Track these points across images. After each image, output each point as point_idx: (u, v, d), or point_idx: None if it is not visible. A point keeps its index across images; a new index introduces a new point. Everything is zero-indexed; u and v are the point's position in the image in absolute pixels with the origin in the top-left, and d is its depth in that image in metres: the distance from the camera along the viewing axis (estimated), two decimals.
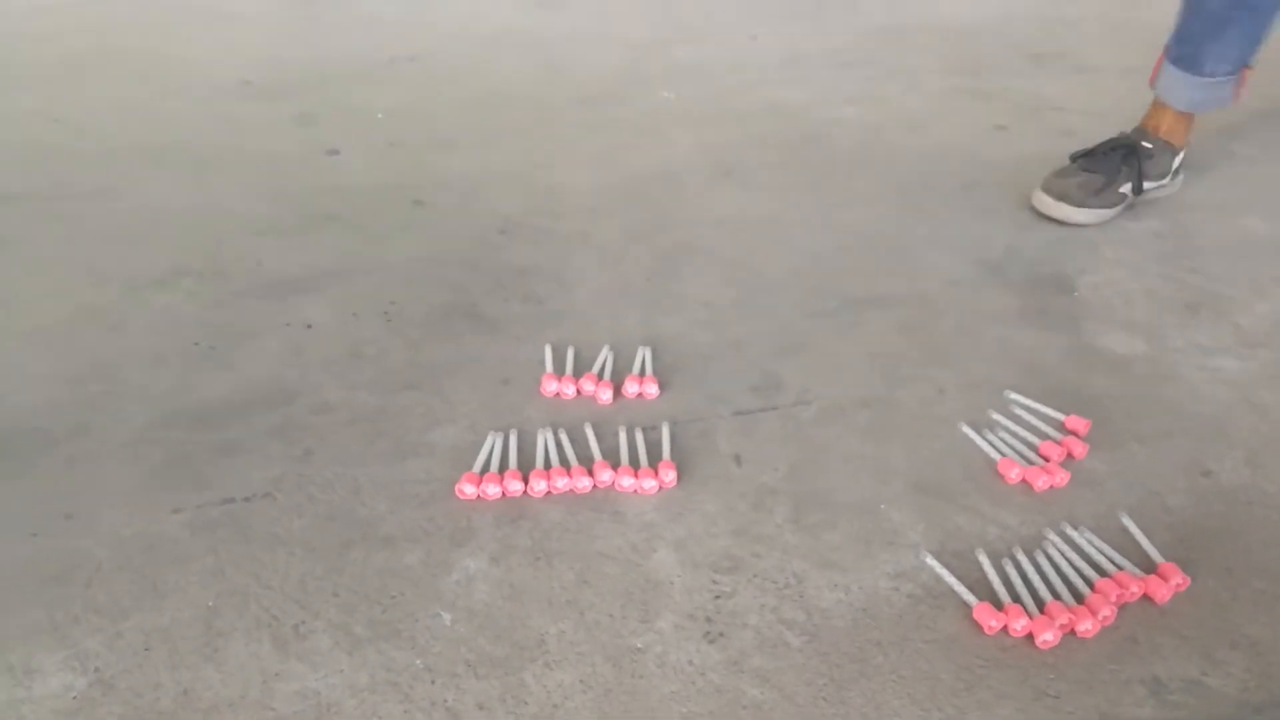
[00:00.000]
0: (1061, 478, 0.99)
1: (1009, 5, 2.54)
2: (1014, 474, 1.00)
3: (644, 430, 1.04)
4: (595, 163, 1.62)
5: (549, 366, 1.12)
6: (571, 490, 0.96)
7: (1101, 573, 0.89)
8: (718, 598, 0.86)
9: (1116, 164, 1.49)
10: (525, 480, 0.95)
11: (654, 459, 1.00)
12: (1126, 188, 1.49)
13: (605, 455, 1.00)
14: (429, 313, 1.22)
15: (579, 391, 1.09)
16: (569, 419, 1.06)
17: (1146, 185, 1.51)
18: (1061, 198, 1.47)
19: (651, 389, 1.09)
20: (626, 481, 0.96)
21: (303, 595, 0.84)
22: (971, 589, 0.87)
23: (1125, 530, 0.94)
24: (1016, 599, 0.86)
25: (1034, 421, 1.08)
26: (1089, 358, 1.19)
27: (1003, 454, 1.03)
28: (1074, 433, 1.06)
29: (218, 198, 1.46)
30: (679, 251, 1.38)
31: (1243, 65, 1.45)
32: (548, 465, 0.98)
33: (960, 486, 0.99)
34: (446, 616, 0.82)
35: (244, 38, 2.08)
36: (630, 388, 1.09)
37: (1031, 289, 1.33)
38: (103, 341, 1.14)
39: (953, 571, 0.88)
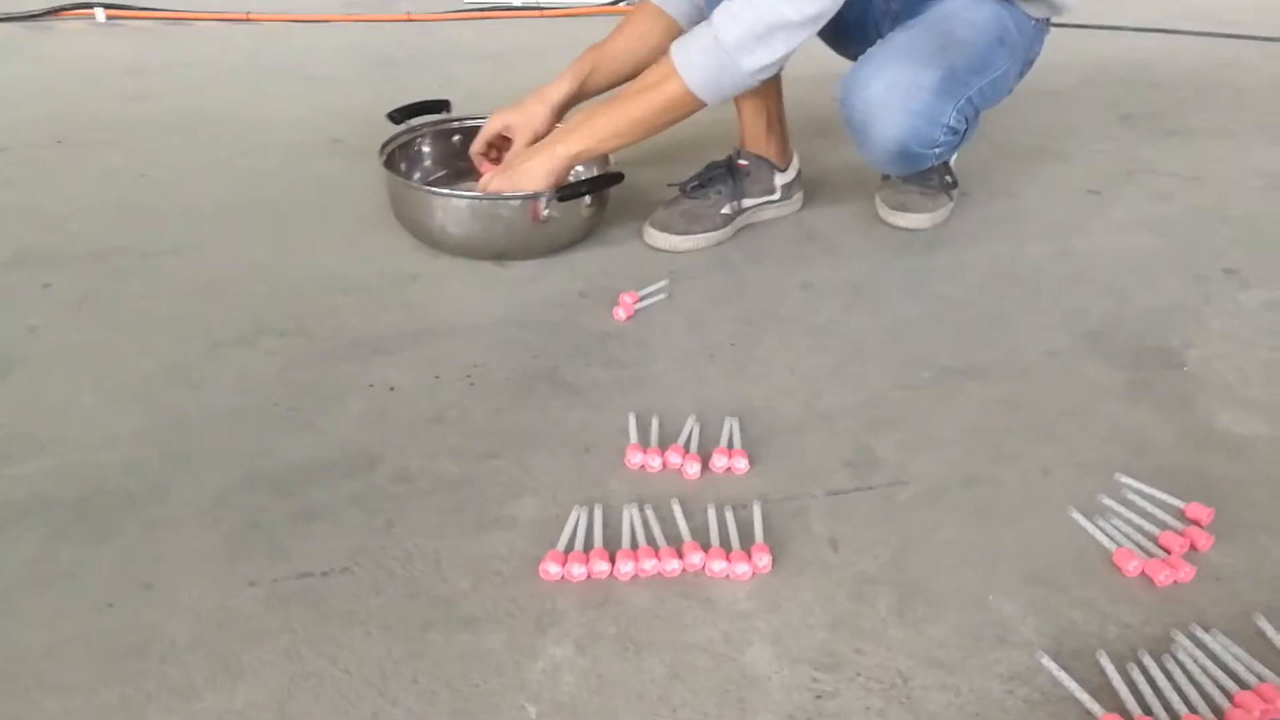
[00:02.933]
0: (1186, 572, 0.92)
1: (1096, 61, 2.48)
2: (1132, 566, 0.93)
3: (734, 509, 0.99)
4: None
5: (633, 436, 1.09)
6: (660, 573, 0.91)
7: (1241, 683, 0.81)
8: (819, 697, 0.80)
9: (716, 186, 1.56)
10: (611, 561, 0.91)
11: (745, 541, 0.95)
12: (729, 208, 1.55)
13: (694, 534, 0.95)
14: (510, 377, 1.20)
15: (665, 464, 1.05)
16: (655, 493, 1.02)
17: (747, 203, 1.58)
18: (665, 229, 1.52)
19: (741, 463, 1.05)
20: (718, 566, 0.91)
21: (380, 680, 0.80)
22: (1094, 696, 0.80)
23: (1261, 634, 0.86)
24: (1147, 711, 0.79)
25: (1150, 509, 1.01)
26: (1205, 439, 1.12)
27: (1118, 544, 0.96)
28: (1196, 522, 0.99)
29: (300, 256, 1.46)
30: (763, 317, 1.34)
31: None
32: (634, 545, 0.94)
33: (1074, 578, 0.93)
34: (531, 710, 0.78)
35: (332, 99, 2.10)
36: (718, 461, 1.05)
37: (1136, 362, 1.26)
38: (184, 399, 1.13)
39: (1072, 675, 0.82)
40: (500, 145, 1.57)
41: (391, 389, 1.17)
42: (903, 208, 1.59)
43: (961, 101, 1.40)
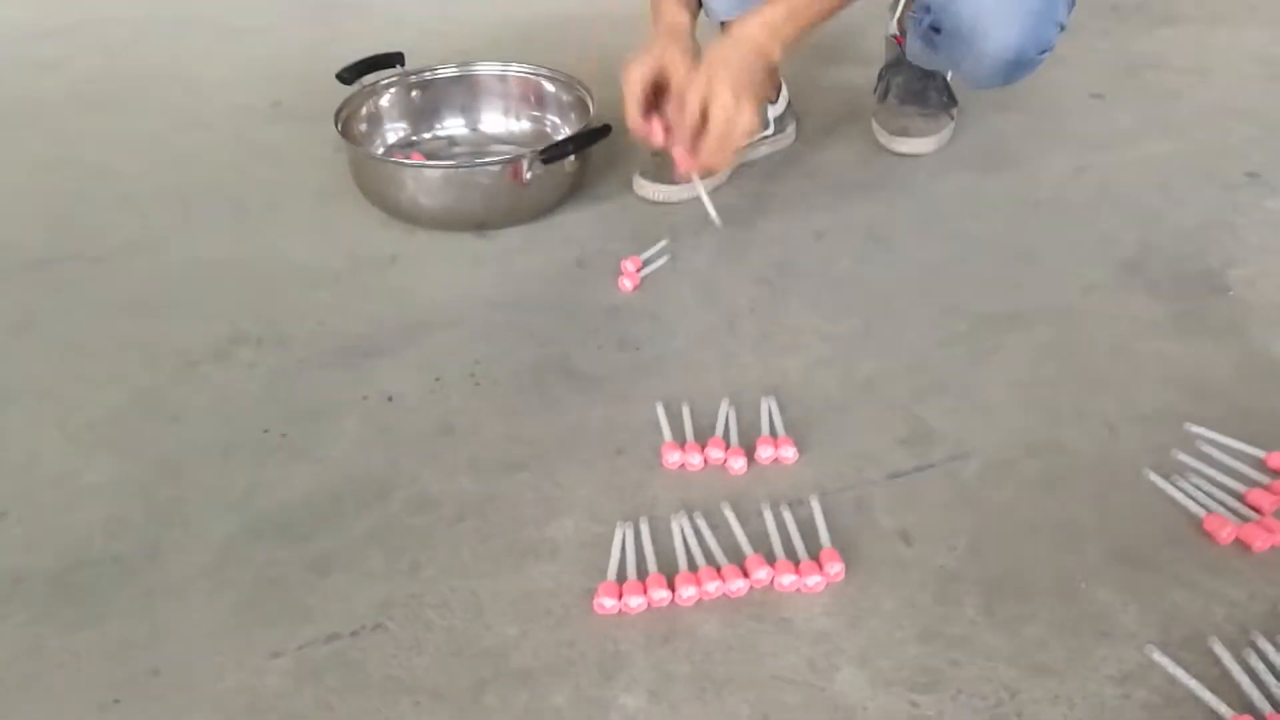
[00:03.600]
0: None
1: None
2: (1226, 533, 0.87)
3: (791, 506, 0.91)
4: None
5: (666, 432, 0.99)
6: (725, 594, 0.83)
7: None
8: None
9: None
10: (671, 586, 0.82)
11: (810, 545, 0.87)
12: None
13: (753, 542, 0.87)
14: (519, 371, 1.09)
15: (706, 461, 0.96)
16: (701, 496, 0.93)
17: None
18: (656, 179, 1.37)
19: (788, 451, 0.96)
20: (787, 579, 0.83)
21: None
22: (1215, 690, 0.74)
23: None
24: (1277, 707, 0.73)
25: (1230, 462, 0.94)
26: (1268, 371, 1.05)
27: (1207, 509, 0.89)
28: None
29: (263, 245, 1.32)
30: (779, 275, 1.24)
31: None
32: (692, 565, 0.85)
33: (1165, 552, 0.86)
34: None
35: (264, 53, 1.92)
36: (763, 452, 0.96)
37: (1179, 290, 1.19)
38: (163, 436, 1.02)
39: (1188, 669, 0.76)
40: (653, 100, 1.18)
41: (389, 399, 1.06)
42: (904, 132, 1.49)
43: None
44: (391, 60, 1.47)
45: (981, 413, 1.02)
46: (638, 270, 1.23)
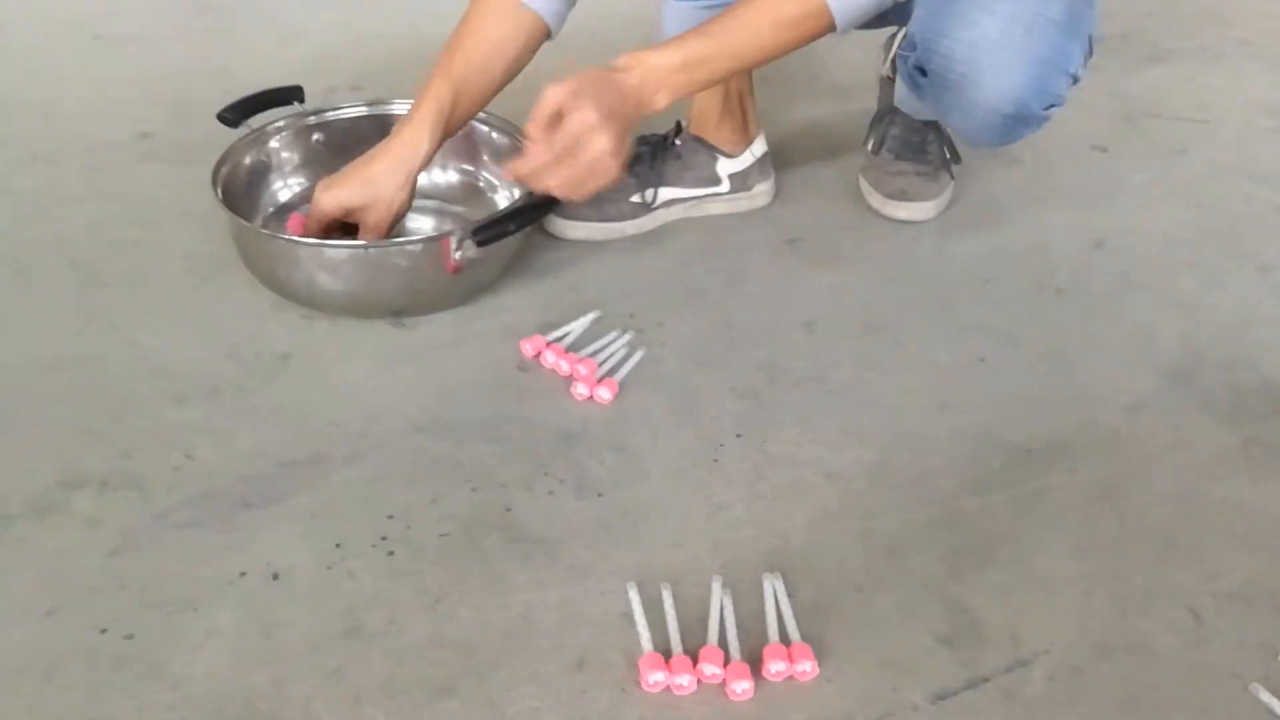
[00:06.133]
0: None
1: None
2: None
3: None
4: (640, 242, 1.24)
5: (643, 635, 0.76)
6: None
7: None
8: None
9: (634, 168, 1.20)
10: None
11: None
12: (639, 196, 1.22)
13: None
14: (447, 531, 0.85)
15: (699, 680, 0.73)
16: None
17: (669, 194, 1.24)
18: (560, 212, 1.17)
19: (805, 665, 0.74)
20: None
21: None
22: None
23: None
24: None
25: None
26: None
27: None
28: None
29: (117, 339, 1.05)
30: (766, 383, 1.02)
31: None
32: None
33: None
34: None
35: (136, 69, 1.61)
36: (774, 666, 0.74)
37: (1240, 409, 1.00)
38: None
39: None
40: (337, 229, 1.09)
41: (275, 576, 0.80)
42: (901, 195, 1.27)
43: (1083, 38, 1.03)
44: (287, 96, 1.19)
45: (1036, 592, 0.81)
46: (593, 374, 1.00)
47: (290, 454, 0.91)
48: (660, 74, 0.95)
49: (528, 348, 1.03)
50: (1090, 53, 1.06)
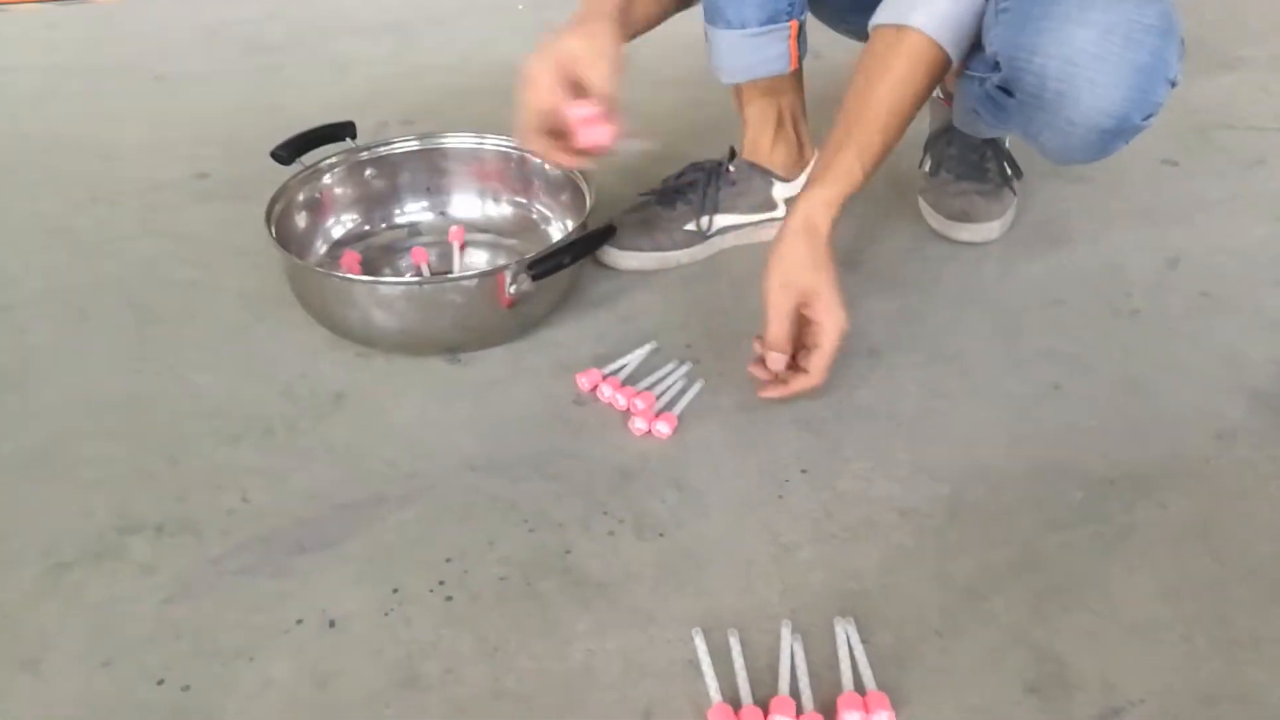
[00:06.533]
0: None
1: None
2: None
3: None
4: (694, 272, 1.21)
5: (711, 685, 0.72)
6: None
7: None
8: None
9: (686, 195, 1.21)
10: None
11: None
12: (694, 224, 1.20)
13: None
14: (505, 575, 0.82)
15: None
16: None
17: (726, 220, 1.22)
18: (614, 243, 1.17)
19: (882, 716, 0.70)
20: None
21: None
22: None
23: None
24: None
25: None
26: None
27: None
28: None
29: (171, 378, 1.05)
30: (831, 414, 0.98)
31: (788, 16, 1.11)
32: None
33: None
34: None
35: (192, 108, 1.63)
36: (849, 717, 0.70)
37: None
38: (9, 691, 0.73)
39: None
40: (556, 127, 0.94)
41: (331, 624, 0.78)
42: (964, 217, 1.23)
43: (1178, 40, 0.97)
44: (339, 132, 1.19)
45: (1128, 637, 0.76)
46: (650, 407, 0.97)
47: (345, 495, 0.89)
48: (831, 203, 0.95)
49: (583, 381, 1.01)
50: (1184, 54, 1.01)
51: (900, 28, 0.95)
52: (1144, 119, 1.00)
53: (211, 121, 1.57)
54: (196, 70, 1.77)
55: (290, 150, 1.14)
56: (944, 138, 1.28)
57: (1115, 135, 1.00)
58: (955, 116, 1.25)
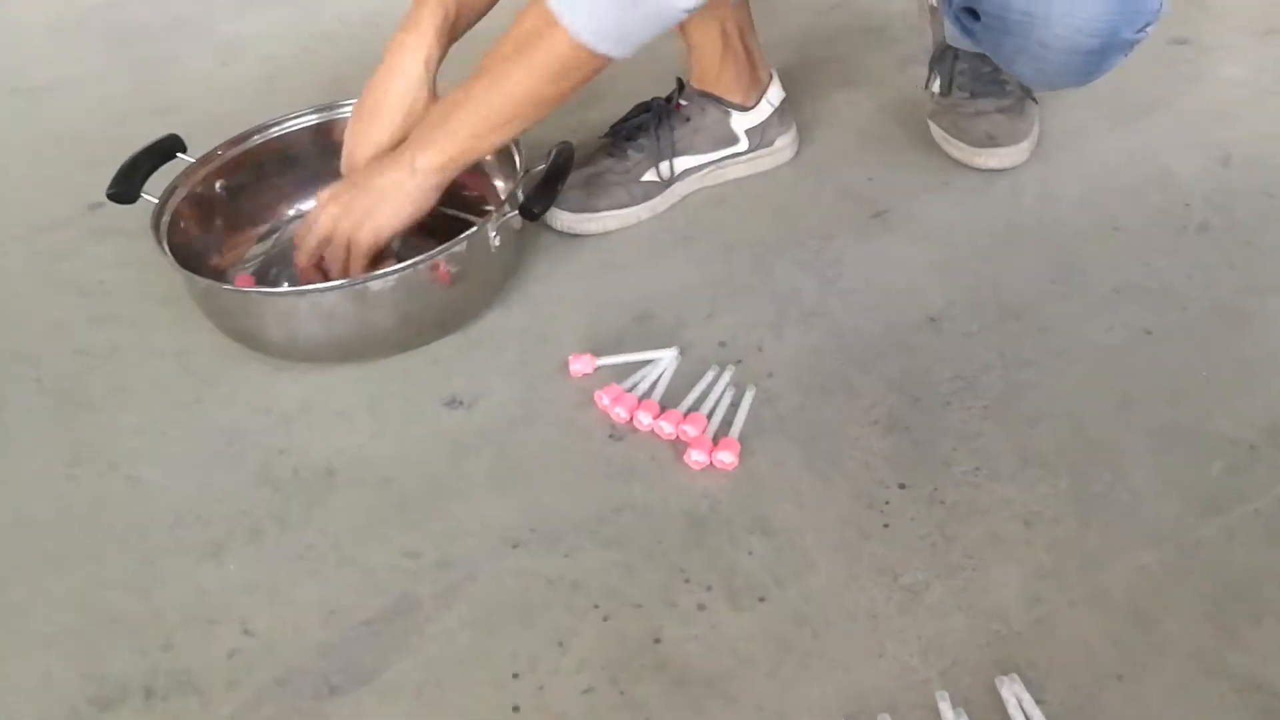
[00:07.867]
0: None
1: None
2: None
3: None
4: (697, 246, 1.05)
5: None
6: None
7: None
8: None
9: (637, 141, 1.07)
10: None
11: None
12: (653, 173, 1.07)
13: None
14: (590, 687, 0.67)
15: None
16: None
17: (686, 162, 1.08)
18: (562, 203, 1.04)
19: None
20: None
21: None
22: None
23: None
24: None
25: None
26: None
27: None
28: None
29: (115, 476, 0.86)
30: (911, 402, 0.84)
31: None
32: None
33: None
34: None
35: (66, 121, 1.38)
36: None
37: None
38: None
39: None
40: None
41: None
42: (990, 141, 1.09)
43: None
44: (168, 149, 0.99)
45: None
46: (703, 431, 0.82)
47: (369, 606, 0.73)
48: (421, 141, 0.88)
49: (618, 411, 0.85)
50: None
51: (554, 23, 0.82)
52: (1138, 30, 0.89)
53: (93, 136, 1.33)
54: (63, 74, 1.50)
55: (124, 184, 0.96)
56: (951, 51, 1.13)
57: (1102, 55, 0.91)
58: (946, 33, 1.11)
